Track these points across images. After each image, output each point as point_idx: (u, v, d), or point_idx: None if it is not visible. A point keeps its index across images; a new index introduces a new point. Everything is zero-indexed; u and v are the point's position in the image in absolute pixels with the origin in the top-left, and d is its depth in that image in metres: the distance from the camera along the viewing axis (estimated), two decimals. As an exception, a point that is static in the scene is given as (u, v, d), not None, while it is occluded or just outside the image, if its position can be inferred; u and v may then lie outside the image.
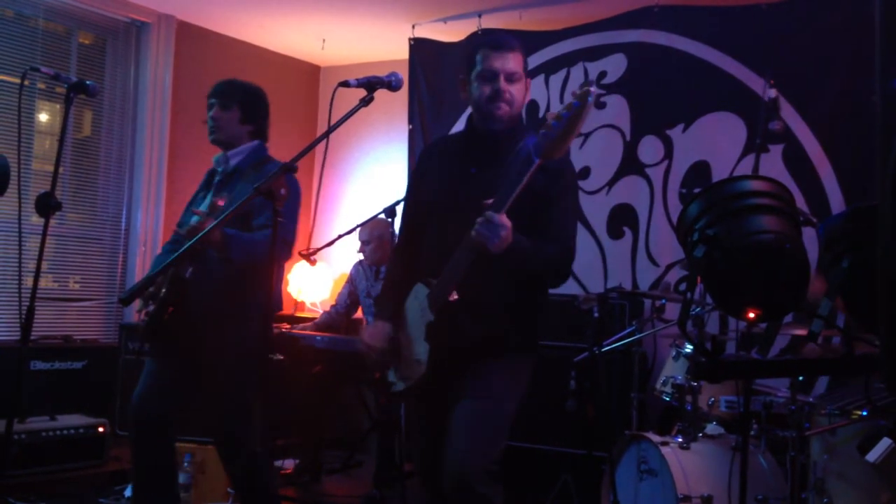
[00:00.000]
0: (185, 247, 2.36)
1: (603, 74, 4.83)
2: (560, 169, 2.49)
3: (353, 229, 4.29)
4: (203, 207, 3.05)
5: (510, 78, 2.49)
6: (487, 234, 2.23)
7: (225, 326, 3.00)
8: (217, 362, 3.04)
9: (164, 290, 3.00)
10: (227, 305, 3.01)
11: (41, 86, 4.93)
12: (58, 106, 5.04)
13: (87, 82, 2.83)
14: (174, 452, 3.25)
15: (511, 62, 2.50)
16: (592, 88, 2.16)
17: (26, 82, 3.05)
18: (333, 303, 5.05)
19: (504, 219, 2.24)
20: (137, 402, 3.11)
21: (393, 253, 2.91)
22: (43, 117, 5.05)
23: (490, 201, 2.27)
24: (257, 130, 3.26)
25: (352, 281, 4.95)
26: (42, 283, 4.35)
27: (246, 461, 2.91)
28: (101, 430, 4.36)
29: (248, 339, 2.95)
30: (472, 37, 5.14)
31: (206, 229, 2.46)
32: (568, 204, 2.56)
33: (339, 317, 4.95)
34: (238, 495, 3.34)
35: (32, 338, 2.87)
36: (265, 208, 2.89)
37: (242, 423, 2.91)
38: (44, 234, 2.70)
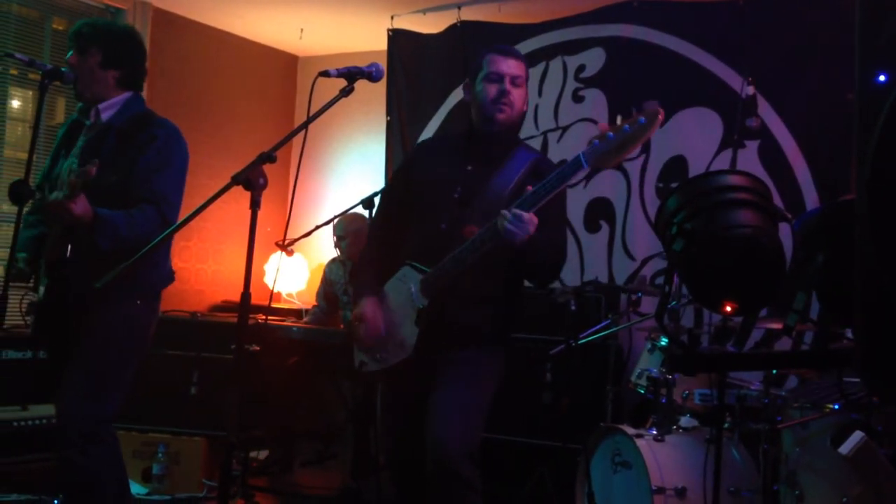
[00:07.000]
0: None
1: (581, 68, 4.83)
2: None
3: (331, 220, 4.26)
4: (65, 170, 2.72)
5: (514, 81, 2.61)
6: (516, 231, 2.31)
7: (109, 304, 2.71)
8: (99, 340, 2.73)
9: (42, 274, 2.74)
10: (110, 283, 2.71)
11: (13, 72, 4.85)
12: (31, 92, 4.96)
13: (63, 69, 2.78)
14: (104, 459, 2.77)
15: (515, 67, 2.63)
16: (661, 112, 2.22)
17: (-1, 68, 2.99)
18: (315, 302, 5.03)
19: (534, 217, 2.32)
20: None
21: (370, 237, 2.90)
22: (15, 104, 4.97)
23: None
24: (126, 78, 2.81)
25: (325, 280, 4.90)
26: (14, 272, 4.24)
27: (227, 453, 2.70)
28: (73, 420, 4.31)
29: (134, 317, 2.77)
30: (452, 30, 5.13)
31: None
32: (561, 209, 2.68)
33: (325, 315, 4.92)
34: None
35: (4, 327, 2.82)
36: (148, 181, 2.66)
37: (91, 404, 2.67)
38: (17, 223, 2.66)
